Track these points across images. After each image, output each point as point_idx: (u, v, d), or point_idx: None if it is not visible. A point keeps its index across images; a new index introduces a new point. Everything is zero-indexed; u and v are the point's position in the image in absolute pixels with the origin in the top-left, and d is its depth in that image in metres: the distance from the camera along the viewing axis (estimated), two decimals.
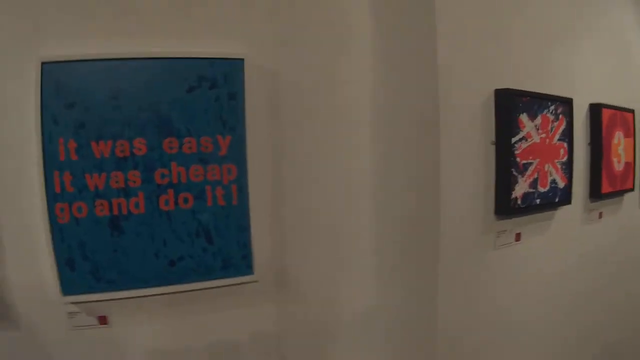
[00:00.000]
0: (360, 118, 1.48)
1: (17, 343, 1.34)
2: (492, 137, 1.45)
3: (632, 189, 2.12)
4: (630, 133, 2.07)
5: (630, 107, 2.06)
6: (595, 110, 1.86)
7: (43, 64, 1.22)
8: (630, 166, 2.08)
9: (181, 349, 1.42)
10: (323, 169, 1.46)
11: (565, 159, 1.66)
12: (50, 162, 1.25)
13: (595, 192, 1.89)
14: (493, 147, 1.46)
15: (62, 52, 1.24)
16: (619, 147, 1.99)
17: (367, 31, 1.47)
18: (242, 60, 1.33)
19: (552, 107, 1.58)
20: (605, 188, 1.91)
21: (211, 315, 1.42)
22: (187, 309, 1.40)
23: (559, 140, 1.62)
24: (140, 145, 1.29)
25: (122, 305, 1.35)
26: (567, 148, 1.66)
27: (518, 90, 1.46)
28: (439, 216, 1.34)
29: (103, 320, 1.37)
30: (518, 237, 1.57)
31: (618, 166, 1.99)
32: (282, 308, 1.47)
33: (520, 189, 1.49)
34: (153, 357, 1.40)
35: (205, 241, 1.35)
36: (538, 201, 1.56)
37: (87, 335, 1.37)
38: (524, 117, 1.48)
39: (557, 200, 1.64)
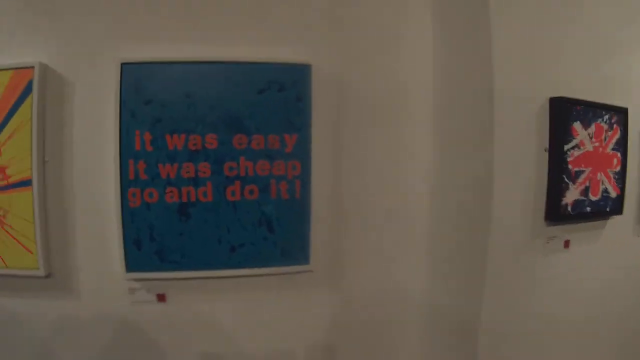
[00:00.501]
0: (420, 120, 1.57)
1: (78, 312, 1.49)
2: (546, 144, 1.50)
3: None
4: None
5: None
6: None
7: (123, 64, 1.38)
8: None
9: (234, 332, 1.53)
10: (381, 169, 1.56)
11: (618, 168, 1.69)
12: (126, 152, 1.40)
13: None
14: (546, 154, 1.50)
15: (141, 54, 1.40)
16: None
17: (426, 37, 1.56)
18: (309, 65, 1.45)
19: (607, 117, 1.62)
20: None
21: (266, 301, 1.54)
22: (243, 294, 1.52)
23: (612, 149, 1.66)
24: (211, 140, 1.42)
25: (180, 285, 1.49)
26: (620, 158, 1.69)
27: (572, 98, 1.50)
28: (490, 217, 1.41)
29: (161, 297, 1.51)
30: (567, 244, 1.60)
31: None
32: (335, 296, 1.57)
33: (571, 196, 1.54)
34: (205, 336, 1.52)
35: (267, 230, 1.46)
36: (589, 209, 1.60)
37: (145, 310, 1.50)
38: (577, 126, 1.53)
39: (608, 209, 1.68)
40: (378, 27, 1.54)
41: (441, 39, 1.55)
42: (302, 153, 1.46)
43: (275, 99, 1.45)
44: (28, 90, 1.43)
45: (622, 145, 1.70)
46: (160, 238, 1.43)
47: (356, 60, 1.53)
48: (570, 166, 1.53)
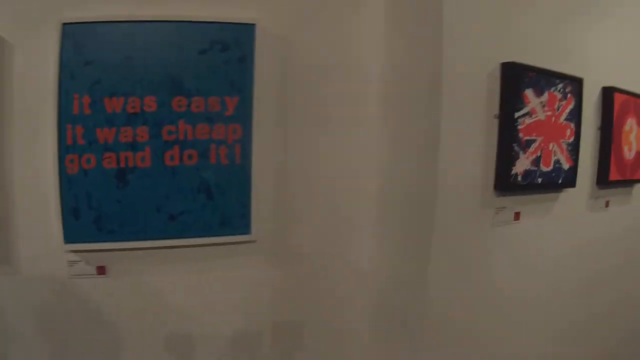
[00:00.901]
0: (368, 86, 1.54)
1: (17, 286, 1.43)
2: (496, 111, 1.48)
3: None
4: None
5: None
6: (608, 93, 1.87)
7: (64, 24, 1.32)
8: None
9: (175, 304, 1.49)
10: (328, 134, 1.52)
11: (572, 139, 1.68)
12: (65, 116, 1.34)
13: (603, 179, 1.90)
14: (496, 121, 1.48)
15: (81, 14, 1.34)
16: (631, 134, 2.00)
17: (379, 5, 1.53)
18: (253, 25, 1.40)
19: (561, 85, 1.61)
20: (614, 175, 1.92)
21: (207, 272, 1.50)
22: (184, 265, 1.48)
23: (566, 120, 1.65)
24: (150, 103, 1.38)
25: (121, 257, 1.44)
26: (574, 129, 1.68)
27: (525, 64, 1.48)
28: (436, 185, 1.39)
29: (101, 270, 1.46)
30: (517, 216, 1.60)
31: (629, 154, 2.00)
32: (279, 269, 1.54)
33: (522, 165, 1.52)
34: (147, 309, 1.48)
35: (206, 197, 1.42)
36: (540, 180, 1.59)
37: (85, 283, 1.45)
38: (529, 93, 1.51)
39: (560, 181, 1.67)
40: None
41: (393, 3, 1.51)
42: (243, 116, 1.42)
43: (217, 60, 1.40)
44: None
45: (576, 116, 1.69)
46: (98, 206, 1.38)
47: (304, 21, 1.49)
48: (521, 134, 1.51)
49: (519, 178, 1.53)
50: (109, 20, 1.34)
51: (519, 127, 1.51)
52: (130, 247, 1.41)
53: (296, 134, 1.51)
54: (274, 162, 1.49)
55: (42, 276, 1.44)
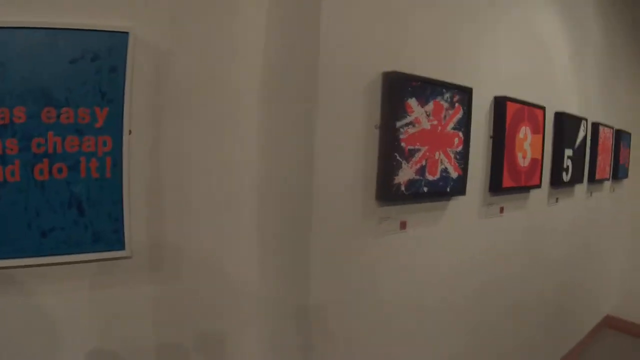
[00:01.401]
0: (246, 98, 1.54)
1: None
2: (377, 121, 1.51)
3: (538, 186, 2.19)
4: (539, 129, 2.15)
5: (542, 104, 2.14)
6: (500, 102, 1.94)
7: None
8: (537, 163, 2.16)
9: (49, 325, 1.44)
10: (205, 146, 1.51)
11: (460, 148, 1.73)
12: None
13: (496, 186, 1.96)
14: (377, 131, 1.51)
15: None
16: (525, 142, 2.07)
17: (254, 9, 1.54)
18: (126, 33, 1.38)
19: (447, 95, 1.65)
20: (507, 182, 1.98)
21: (83, 292, 1.45)
22: (59, 284, 1.42)
23: (453, 129, 1.69)
24: (19, 114, 1.33)
25: None
26: (462, 138, 1.73)
27: (407, 74, 1.52)
28: (312, 196, 1.40)
29: None
30: (404, 225, 1.63)
31: (523, 162, 2.07)
32: (158, 286, 1.51)
33: (405, 175, 1.55)
34: (20, 332, 1.41)
35: (77, 213, 1.39)
36: (426, 189, 1.63)
37: None
38: (412, 102, 1.55)
39: (449, 190, 1.71)
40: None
41: (272, 11, 1.53)
42: (114, 128, 1.40)
43: (88, 69, 1.37)
44: None
45: (464, 125, 1.74)
46: None
47: (180, 30, 1.47)
48: (403, 144, 1.55)
49: (402, 188, 1.56)
50: None
51: (401, 137, 1.54)
52: (3, 265, 1.35)
53: (171, 145, 1.48)
54: (147, 175, 1.46)
55: None
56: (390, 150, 1.51)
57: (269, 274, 1.57)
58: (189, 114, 1.49)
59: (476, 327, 1.99)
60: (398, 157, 1.53)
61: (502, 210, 2.07)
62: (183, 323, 1.54)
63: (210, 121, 1.51)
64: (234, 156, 1.54)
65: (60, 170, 1.37)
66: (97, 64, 1.38)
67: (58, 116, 1.35)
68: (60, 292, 1.42)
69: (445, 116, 1.66)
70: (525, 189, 2.16)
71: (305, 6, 1.43)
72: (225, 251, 1.56)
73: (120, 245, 1.43)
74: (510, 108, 1.96)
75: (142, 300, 1.50)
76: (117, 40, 1.39)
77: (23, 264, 1.36)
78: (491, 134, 1.97)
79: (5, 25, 1.30)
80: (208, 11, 1.50)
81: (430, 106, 1.60)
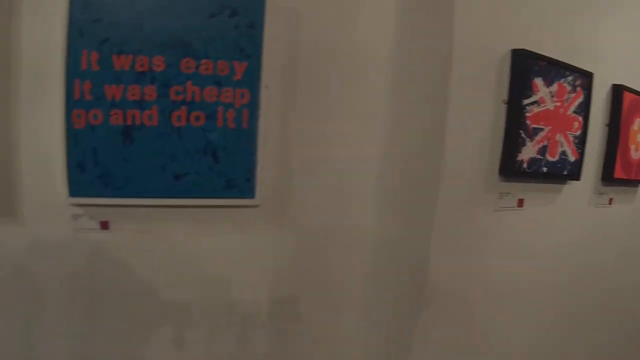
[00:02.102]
0: (376, 59, 1.56)
1: (21, 238, 1.46)
2: (505, 96, 1.52)
3: None
4: None
5: None
6: (617, 91, 1.92)
7: None
8: None
9: (176, 263, 1.52)
10: (335, 104, 1.55)
11: (579, 132, 1.72)
12: (73, 71, 1.37)
13: (608, 176, 1.94)
14: (504, 107, 1.52)
15: None
16: (639, 134, 2.03)
17: None
18: None
19: (570, 78, 1.65)
20: (618, 173, 1.96)
21: (210, 234, 1.53)
22: (186, 224, 1.51)
23: (574, 112, 1.69)
24: (158, 62, 1.40)
25: (124, 213, 1.48)
26: (582, 122, 1.72)
27: (535, 52, 1.53)
28: (441, 164, 1.43)
29: (104, 225, 1.49)
30: (521, 202, 1.64)
31: (635, 154, 2.04)
32: (280, 235, 1.57)
33: (527, 153, 1.56)
34: (147, 266, 1.51)
35: (212, 160, 1.45)
36: (545, 169, 1.63)
37: (88, 238, 1.49)
38: (538, 81, 1.55)
39: (565, 173, 1.71)
40: None
41: None
42: (252, 82, 1.45)
43: (227, 24, 1.43)
44: None
45: (584, 109, 1.73)
46: (104, 162, 1.41)
47: None
48: (528, 122, 1.56)
49: (525, 165, 1.57)
50: None
51: (527, 114, 1.55)
52: (134, 204, 1.44)
53: (302, 103, 1.53)
54: (279, 129, 1.51)
55: (45, 229, 1.47)
56: (515, 127, 1.52)
57: (390, 233, 1.59)
58: (320, 76, 1.53)
59: (572, 309, 2.00)
60: (523, 135, 1.54)
61: (610, 201, 2.04)
62: (300, 271, 1.60)
63: (339, 84, 1.54)
64: (362, 118, 1.57)
65: (197, 118, 1.43)
66: (236, 20, 1.43)
67: (197, 67, 1.41)
68: (190, 233, 1.51)
69: (567, 99, 1.66)
70: (636, 182, 2.13)
71: None
72: (347, 211, 1.59)
73: (252, 194, 1.48)
74: (627, 98, 1.94)
75: (265, 246, 1.57)
76: None
77: (154, 203, 1.44)
78: (607, 122, 1.94)
79: None
80: None
81: (554, 87, 1.61)
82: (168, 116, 1.41)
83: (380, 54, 1.56)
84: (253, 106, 1.45)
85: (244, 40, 1.43)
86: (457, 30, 1.41)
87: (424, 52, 1.51)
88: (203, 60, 1.40)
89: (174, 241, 1.51)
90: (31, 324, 1.48)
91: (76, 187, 1.40)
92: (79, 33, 1.36)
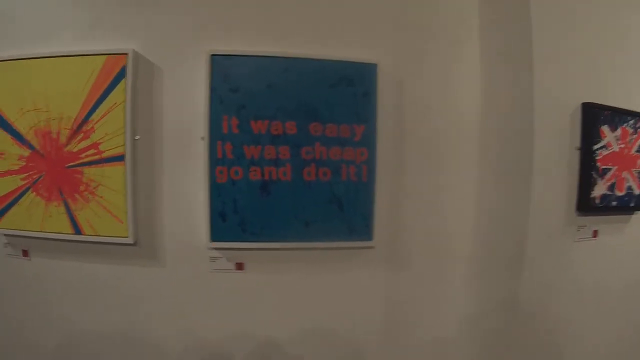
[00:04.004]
0: (469, 118, 1.90)
1: (162, 277, 1.82)
2: (578, 144, 1.87)
3: None
4: None
5: None
6: None
7: (212, 55, 1.72)
8: None
9: (302, 298, 1.86)
10: (435, 159, 1.89)
11: None
12: (215, 134, 1.73)
13: None
14: (577, 153, 1.87)
15: (227, 47, 1.74)
16: None
17: (476, 51, 1.91)
18: (375, 65, 1.78)
19: (632, 122, 1.99)
20: None
21: (332, 272, 1.86)
22: (312, 264, 1.84)
23: (637, 151, 2.03)
24: (291, 127, 1.75)
25: (257, 255, 1.81)
26: None
27: (601, 104, 1.87)
28: (529, 203, 1.76)
29: (240, 266, 1.83)
30: (595, 233, 1.96)
31: None
32: (391, 272, 1.90)
33: (599, 190, 1.90)
34: (278, 301, 1.85)
35: (337, 208, 1.79)
36: (614, 203, 1.97)
37: (224, 277, 1.83)
38: (605, 128, 1.90)
39: (632, 205, 2.04)
40: (435, 32, 1.88)
41: (488, 47, 1.91)
42: (369, 141, 1.78)
43: (345, 93, 1.76)
44: (121, 74, 1.74)
45: None
46: (242, 211, 1.75)
47: (414, 61, 1.86)
48: (598, 164, 1.89)
49: (597, 201, 1.91)
50: (252, 54, 1.73)
51: (597, 157, 1.88)
52: (268, 247, 1.77)
53: (409, 157, 1.86)
54: (391, 180, 1.85)
55: (185, 270, 1.83)
56: (588, 169, 1.85)
57: (487, 264, 1.91)
58: (422, 134, 1.87)
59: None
60: (594, 175, 1.87)
61: None
62: (410, 303, 1.93)
63: (438, 142, 1.89)
64: (456, 168, 1.91)
65: (324, 174, 1.77)
66: (353, 89, 1.77)
67: (323, 130, 1.76)
68: (314, 272, 1.85)
69: (630, 140, 2.00)
70: None
71: (518, 50, 1.80)
72: (449, 249, 1.93)
73: (370, 237, 1.81)
74: None
75: (379, 282, 1.90)
76: (368, 70, 1.78)
77: (287, 247, 1.77)
78: None
79: (274, 55, 1.73)
80: (436, 47, 1.88)
81: (618, 132, 1.94)
82: (300, 172, 1.75)
83: (470, 110, 1.90)
84: (371, 162, 1.78)
85: (360, 107, 1.77)
86: (537, 88, 1.74)
87: (508, 107, 1.85)
88: (328, 125, 1.74)
89: (300, 278, 1.84)
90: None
91: (217, 233, 1.75)
92: (220, 101, 1.72)
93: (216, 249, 1.79)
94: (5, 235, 1.87)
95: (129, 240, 1.77)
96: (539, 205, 1.75)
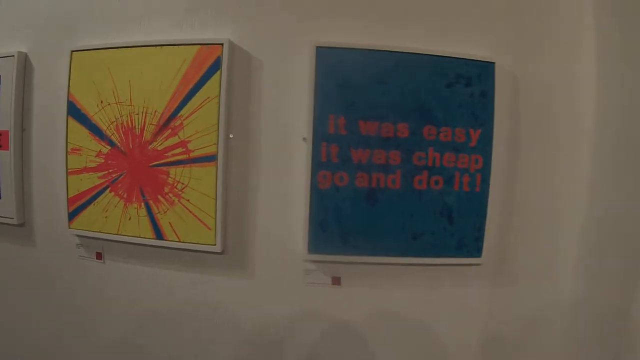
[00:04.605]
0: (588, 124, 1.75)
1: (251, 290, 1.70)
2: None
3: None
4: None
5: None
6: None
7: (318, 47, 1.57)
8: None
9: (404, 320, 1.73)
10: (550, 170, 1.73)
11: None
12: (319, 134, 1.58)
13: None
14: None
15: (333, 39, 1.60)
16: None
17: (598, 45, 1.75)
18: (493, 63, 1.63)
19: None
20: None
21: (436, 289, 1.73)
22: (416, 282, 1.71)
23: None
24: (403, 129, 1.61)
25: (356, 269, 1.68)
26: None
27: None
28: None
29: (336, 281, 1.69)
30: None
31: None
32: (499, 291, 1.76)
33: None
34: (376, 321, 1.71)
35: (447, 221, 1.65)
36: None
37: (318, 292, 1.70)
38: None
39: None
40: (553, 32, 1.73)
41: (610, 49, 1.76)
42: (485, 148, 1.64)
43: (462, 93, 1.62)
44: (215, 66, 1.60)
45: None
46: (346, 221, 1.61)
47: (532, 59, 1.70)
48: None
49: None
50: (361, 47, 1.58)
51: None
52: (369, 261, 1.64)
53: (523, 168, 1.71)
54: (505, 191, 1.71)
55: (276, 282, 1.70)
56: None
57: (594, 288, 1.80)
58: (539, 137, 1.72)
59: None
60: None
61: None
62: (510, 321, 1.80)
63: (556, 145, 1.74)
64: (574, 179, 1.75)
65: (437, 182, 1.63)
66: (470, 90, 1.63)
67: (438, 134, 1.62)
68: (419, 289, 1.72)
69: None
70: None
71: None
72: (554, 273, 1.80)
73: (479, 253, 1.67)
74: None
75: (485, 302, 1.77)
76: (486, 68, 1.63)
77: (391, 262, 1.65)
78: None
79: (385, 49, 1.59)
80: (554, 42, 1.73)
81: None
82: (410, 180, 1.62)
83: (590, 112, 1.75)
84: (486, 171, 1.64)
85: (477, 109, 1.62)
86: None
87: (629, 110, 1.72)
88: (443, 128, 1.60)
89: (403, 297, 1.71)
90: None
91: (315, 244, 1.60)
92: (325, 97, 1.57)
93: (313, 261, 1.66)
94: (78, 236, 1.70)
95: (216, 249, 1.64)
96: None
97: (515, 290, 1.78)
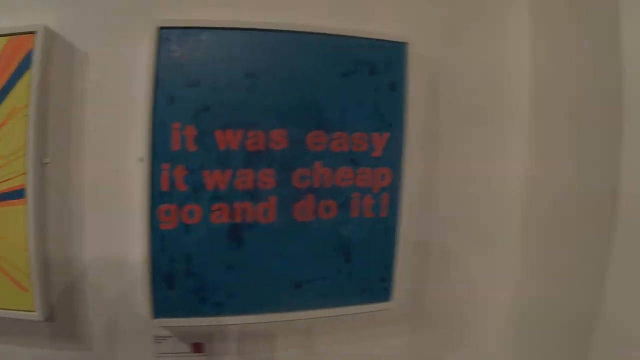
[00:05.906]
0: (525, 121, 1.44)
1: None
2: None
3: None
4: None
5: None
6: None
7: (161, 29, 1.10)
8: None
9: None
10: (474, 184, 1.42)
11: None
12: (160, 153, 1.11)
13: None
14: None
15: (181, 16, 1.14)
16: None
17: (529, 26, 1.44)
18: (405, 44, 1.23)
19: None
20: None
21: (333, 344, 1.40)
22: (307, 340, 1.38)
23: None
24: (279, 138, 1.17)
25: (225, 331, 1.30)
26: None
27: None
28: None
29: (197, 348, 1.30)
30: None
31: None
32: (413, 338, 1.46)
33: None
34: None
35: (343, 260, 1.26)
36: None
37: None
38: None
39: None
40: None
41: (548, 27, 1.41)
42: (394, 157, 1.26)
43: (364, 85, 1.22)
44: (25, 64, 1.12)
45: None
46: (201, 272, 1.17)
47: (457, 42, 1.37)
48: None
49: None
50: (222, 26, 1.13)
51: None
52: (238, 322, 1.24)
53: (441, 183, 1.40)
54: (421, 214, 1.36)
55: (119, 354, 1.28)
56: None
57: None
58: (464, 139, 1.40)
59: None
60: None
61: None
62: None
63: (483, 152, 1.42)
64: (506, 195, 1.45)
65: (327, 209, 1.24)
66: (375, 80, 1.24)
67: (329, 142, 1.21)
68: (313, 347, 1.39)
69: None
70: None
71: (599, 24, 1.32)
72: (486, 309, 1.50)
73: (387, 296, 1.32)
74: None
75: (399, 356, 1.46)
76: (395, 52, 1.25)
77: (267, 320, 1.26)
78: None
79: (257, 27, 1.15)
80: (478, 21, 1.41)
81: None
82: (290, 209, 1.21)
83: (524, 108, 1.44)
84: (394, 189, 1.28)
85: (385, 106, 1.25)
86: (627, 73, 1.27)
87: (576, 103, 1.39)
88: (336, 134, 1.21)
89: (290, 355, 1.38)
90: None
91: (162, 306, 1.17)
92: (169, 100, 1.11)
93: (164, 327, 1.24)
94: None
95: (36, 316, 1.16)
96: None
97: (437, 338, 1.49)
